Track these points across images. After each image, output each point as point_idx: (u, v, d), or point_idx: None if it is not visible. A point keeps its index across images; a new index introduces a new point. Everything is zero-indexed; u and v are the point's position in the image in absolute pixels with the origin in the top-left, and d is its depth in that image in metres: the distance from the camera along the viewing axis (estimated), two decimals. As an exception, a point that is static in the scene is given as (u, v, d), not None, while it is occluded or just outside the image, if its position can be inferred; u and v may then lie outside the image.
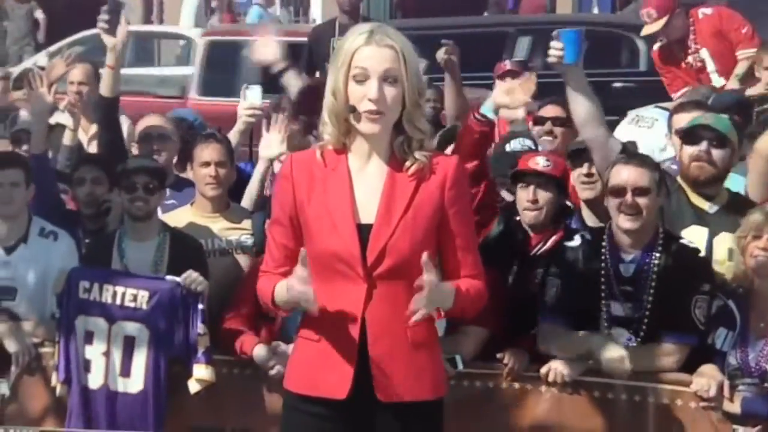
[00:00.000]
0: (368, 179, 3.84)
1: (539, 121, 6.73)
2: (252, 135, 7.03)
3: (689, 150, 5.37)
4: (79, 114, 7.29)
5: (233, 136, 6.62)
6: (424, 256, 3.66)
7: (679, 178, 5.46)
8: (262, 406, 5.28)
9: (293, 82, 6.49)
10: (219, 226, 5.92)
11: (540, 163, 5.48)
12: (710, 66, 8.74)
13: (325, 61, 7.91)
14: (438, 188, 3.83)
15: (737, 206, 5.29)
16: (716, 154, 5.33)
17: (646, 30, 8.96)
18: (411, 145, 3.83)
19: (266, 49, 6.56)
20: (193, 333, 5.30)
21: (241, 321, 5.40)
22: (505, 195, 5.85)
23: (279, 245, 3.93)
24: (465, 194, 3.93)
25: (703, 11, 8.88)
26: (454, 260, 3.88)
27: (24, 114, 7.52)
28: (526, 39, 11.90)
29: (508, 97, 4.80)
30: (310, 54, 8.86)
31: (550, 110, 6.69)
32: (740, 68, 8.57)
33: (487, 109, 4.89)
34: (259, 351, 5.26)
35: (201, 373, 5.28)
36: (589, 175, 5.63)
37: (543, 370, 5.04)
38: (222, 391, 5.32)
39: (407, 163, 3.83)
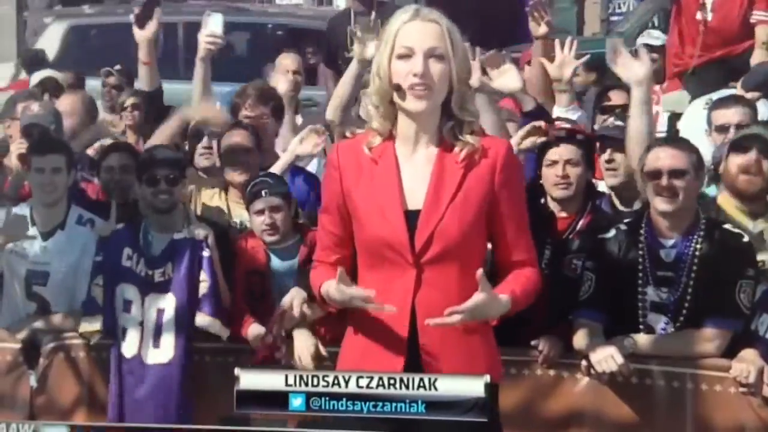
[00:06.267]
0: (416, 165, 3.79)
1: (609, 110, 6.54)
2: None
3: (737, 159, 5.25)
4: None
5: (197, 66, 6.39)
6: (478, 273, 3.64)
7: (720, 196, 5.37)
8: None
9: None
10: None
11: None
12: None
13: (344, 50, 7.86)
14: (488, 172, 3.77)
15: None
16: (766, 165, 5.23)
17: None
18: (462, 129, 3.77)
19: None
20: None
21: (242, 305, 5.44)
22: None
23: (328, 233, 3.91)
24: (516, 177, 3.87)
25: None
26: (505, 245, 3.84)
27: (35, 108, 7.41)
28: None
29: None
30: (329, 44, 8.76)
31: (620, 96, 6.44)
32: (764, 34, 7.56)
33: None
34: (254, 330, 5.30)
35: (199, 320, 5.35)
36: (609, 161, 5.60)
37: (595, 359, 4.87)
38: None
39: (457, 148, 3.77)
